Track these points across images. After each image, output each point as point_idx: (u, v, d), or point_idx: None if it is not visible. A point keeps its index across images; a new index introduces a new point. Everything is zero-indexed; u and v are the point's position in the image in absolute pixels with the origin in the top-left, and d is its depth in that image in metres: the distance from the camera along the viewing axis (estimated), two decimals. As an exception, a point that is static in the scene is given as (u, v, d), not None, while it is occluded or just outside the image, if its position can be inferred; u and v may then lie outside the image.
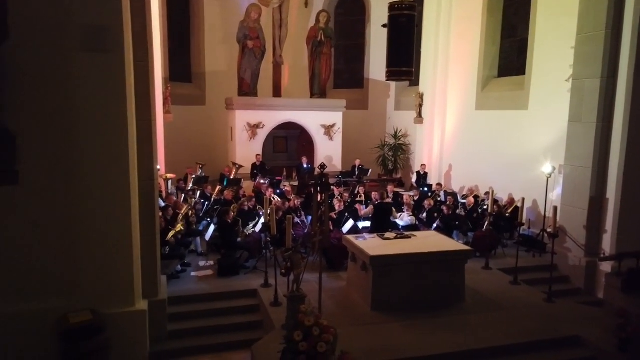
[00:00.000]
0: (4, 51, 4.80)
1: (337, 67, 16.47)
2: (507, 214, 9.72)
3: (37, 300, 5.09)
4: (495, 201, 8.95)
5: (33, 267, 5.10)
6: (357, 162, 13.69)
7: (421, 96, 13.31)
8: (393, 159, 14.91)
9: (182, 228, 7.70)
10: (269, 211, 6.80)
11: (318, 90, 14.80)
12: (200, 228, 8.80)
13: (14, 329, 5.03)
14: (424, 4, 12.96)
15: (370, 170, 13.76)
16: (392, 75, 7.33)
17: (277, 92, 14.65)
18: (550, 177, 9.21)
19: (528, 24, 10.31)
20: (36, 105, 4.98)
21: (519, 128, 10.50)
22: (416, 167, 13.51)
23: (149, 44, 5.83)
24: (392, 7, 6.96)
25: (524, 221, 7.87)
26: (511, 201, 10.08)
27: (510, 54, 11.45)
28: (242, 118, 13.45)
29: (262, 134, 13.73)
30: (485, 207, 9.48)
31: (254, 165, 12.96)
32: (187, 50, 15.07)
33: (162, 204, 8.83)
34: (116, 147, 5.09)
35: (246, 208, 9.05)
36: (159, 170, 7.14)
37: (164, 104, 11.59)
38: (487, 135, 11.51)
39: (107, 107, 5.08)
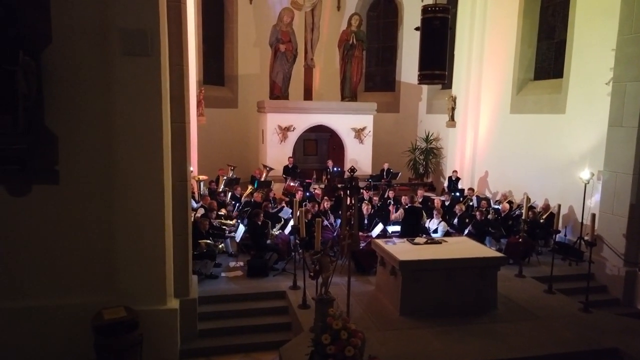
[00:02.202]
0: (47, 55, 5.00)
1: (369, 70, 16.42)
2: (542, 221, 9.46)
3: (74, 295, 5.27)
4: (530, 207, 8.72)
5: (71, 264, 5.29)
6: (386, 166, 13.60)
7: (454, 99, 13.12)
8: (424, 163, 14.74)
9: (210, 242, 7.90)
10: (298, 214, 6.83)
11: (349, 93, 14.79)
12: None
13: (53, 322, 5.23)
14: (457, 6, 12.78)
15: (400, 174, 13.65)
16: (424, 78, 7.24)
17: (308, 95, 14.72)
18: (588, 183, 8.92)
19: (566, 25, 10.02)
20: (76, 108, 5.17)
21: (556, 132, 10.20)
22: (448, 172, 13.31)
23: (184, 48, 5.95)
24: (425, 10, 6.89)
25: (559, 228, 7.63)
26: (546, 207, 9.81)
27: (547, 56, 11.15)
28: (273, 121, 13.57)
29: (293, 137, 13.81)
30: (519, 213, 9.25)
31: (285, 167, 13.06)
32: (220, 53, 15.33)
33: (195, 205, 9.01)
34: (151, 149, 5.22)
35: (270, 210, 9.13)
36: (191, 171, 7.28)
37: (198, 106, 11.82)
38: (522, 139, 11.24)
39: (143, 110, 5.21)
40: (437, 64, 6.94)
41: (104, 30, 5.14)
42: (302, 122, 13.84)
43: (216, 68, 15.18)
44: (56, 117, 5.14)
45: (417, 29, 7.00)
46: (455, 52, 12.78)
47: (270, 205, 9.34)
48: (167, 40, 5.55)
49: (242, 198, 10.51)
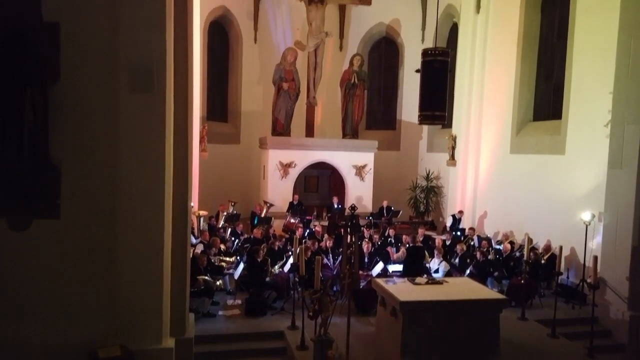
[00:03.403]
0: (55, 89, 5.09)
1: (370, 108, 16.66)
2: (544, 262, 9.37)
3: (70, 332, 5.17)
4: (531, 248, 8.66)
5: (68, 301, 5.21)
6: (385, 203, 13.59)
7: (454, 138, 13.24)
8: (425, 201, 14.73)
9: (209, 278, 7.82)
10: (298, 251, 6.78)
11: (350, 131, 14.95)
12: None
13: (47, 359, 5.10)
14: (457, 49, 13.09)
15: (400, 212, 13.62)
16: (425, 119, 7.35)
17: (309, 131, 14.88)
18: (589, 224, 8.88)
19: (564, 68, 10.23)
20: (81, 141, 5.21)
21: (556, 173, 10.25)
22: (449, 210, 13.29)
23: (189, 84, 6.07)
24: (425, 53, 7.06)
25: (562, 270, 7.55)
26: (548, 248, 9.73)
27: (545, 98, 11.33)
28: (274, 157, 13.66)
29: (294, 173, 13.87)
30: (521, 254, 9.17)
31: (291, 204, 13.08)
32: (224, 90, 15.62)
33: (194, 241, 8.97)
34: (153, 185, 5.24)
35: (276, 248, 9.07)
36: (192, 207, 7.28)
37: (200, 142, 11.93)
38: (522, 179, 11.27)
39: (146, 145, 5.26)
40: (437, 105, 7.06)
41: (111, 66, 5.25)
42: (304, 158, 13.93)
43: (220, 104, 15.43)
44: (60, 151, 5.19)
45: (417, 71, 7.15)
46: (455, 93, 12.99)
47: (276, 242, 9.28)
48: (172, 76, 5.66)
49: (243, 234, 10.46)
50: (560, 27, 10.72)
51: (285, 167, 13.73)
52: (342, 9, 16.20)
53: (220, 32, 15.31)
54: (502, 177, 12.05)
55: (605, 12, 8.80)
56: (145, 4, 5.15)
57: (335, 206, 13.36)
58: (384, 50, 16.84)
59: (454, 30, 14.30)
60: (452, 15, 14.18)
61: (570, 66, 9.97)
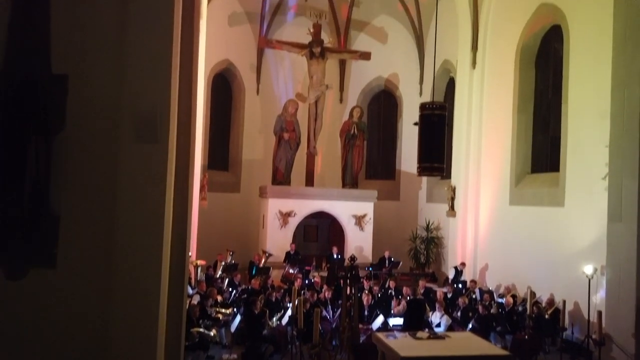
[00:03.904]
0: (59, 139, 5.16)
1: (370, 158, 16.84)
2: (547, 316, 9.16)
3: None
4: (535, 302, 8.50)
5: (59, 352, 5.05)
6: (387, 254, 13.46)
7: (453, 189, 13.29)
8: (425, 252, 14.60)
9: (204, 330, 7.64)
10: (296, 303, 6.65)
11: (350, 181, 15.04)
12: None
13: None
14: (454, 103, 13.39)
15: (401, 263, 13.47)
16: (423, 170, 7.43)
17: (309, 180, 14.97)
18: (592, 278, 8.76)
19: (560, 121, 10.43)
20: (81, 190, 5.23)
21: (556, 225, 10.21)
22: (449, 262, 13.14)
23: (192, 134, 6.15)
24: (423, 107, 7.25)
25: (566, 325, 7.38)
26: (551, 302, 9.54)
27: (543, 150, 11.48)
28: (274, 206, 13.67)
29: (294, 223, 13.83)
30: (524, 308, 8.99)
31: (287, 253, 12.94)
32: (226, 139, 15.85)
33: (191, 291, 8.81)
34: (151, 234, 5.20)
35: (273, 299, 8.89)
36: (190, 256, 7.20)
37: (201, 190, 11.97)
38: (522, 231, 11.22)
39: (146, 195, 5.26)
40: (436, 157, 7.16)
41: (116, 116, 5.34)
42: (304, 207, 13.94)
43: (221, 153, 15.61)
44: (60, 199, 5.19)
45: (415, 124, 7.31)
46: (454, 145, 13.17)
47: (274, 293, 9.12)
48: (175, 127, 5.75)
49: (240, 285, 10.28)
50: (555, 82, 11.02)
51: (285, 216, 13.70)
52: (342, 63, 16.73)
53: (224, 83, 15.73)
54: (502, 228, 12.00)
55: (598, 68, 9.07)
56: (153, 58, 5.32)
57: (335, 256, 13.22)
58: (383, 102, 17.24)
59: (451, 85, 14.70)
60: (448, 70, 14.63)
61: (566, 120, 10.16)
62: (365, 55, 15.33)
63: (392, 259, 13.32)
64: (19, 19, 5.12)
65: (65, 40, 5.20)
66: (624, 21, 7.50)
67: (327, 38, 15.50)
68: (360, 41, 16.51)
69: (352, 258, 9.77)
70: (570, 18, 10.09)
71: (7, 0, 5.02)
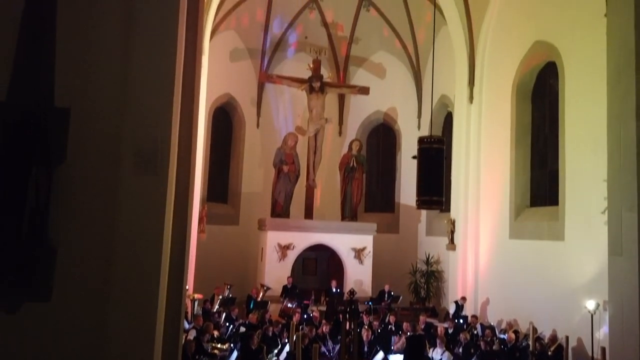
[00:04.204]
0: (59, 171, 5.18)
1: (369, 191, 16.87)
2: (551, 353, 8.97)
3: None
4: (537, 338, 8.34)
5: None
6: (387, 288, 13.30)
7: (453, 222, 13.25)
8: (425, 286, 14.42)
9: None
10: (294, 338, 6.53)
11: (349, 213, 15.02)
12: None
13: None
14: (452, 136, 13.51)
15: (401, 297, 13.29)
16: (422, 204, 7.43)
17: (308, 213, 14.95)
18: (594, 314, 8.63)
19: (557, 155, 10.50)
20: (80, 222, 5.21)
21: (557, 259, 10.14)
22: (450, 296, 12.97)
23: (191, 167, 6.18)
24: (421, 140, 7.32)
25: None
26: (554, 338, 9.35)
27: (541, 184, 11.51)
28: (273, 239, 13.59)
29: (292, 255, 13.72)
30: (526, 344, 8.82)
31: (284, 287, 12.78)
32: (226, 171, 15.92)
33: (187, 326, 8.66)
34: (149, 268, 5.15)
35: (270, 333, 8.73)
36: (187, 290, 7.12)
37: (199, 223, 11.94)
38: (523, 265, 11.13)
39: (145, 226, 5.24)
40: (435, 190, 7.17)
41: (116, 148, 5.37)
42: (302, 240, 13.86)
43: (221, 185, 15.64)
44: (58, 231, 5.16)
45: (414, 157, 7.35)
46: (452, 178, 13.22)
47: (271, 328, 8.95)
48: (176, 159, 5.78)
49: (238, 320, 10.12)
50: (551, 117, 11.16)
51: (284, 249, 13.61)
52: (341, 98, 16.99)
53: (225, 116, 15.93)
54: (502, 262, 11.91)
55: (593, 103, 9.20)
56: (155, 91, 5.40)
57: (334, 290, 13.06)
58: (382, 136, 17.41)
59: (448, 119, 14.89)
60: (446, 104, 14.84)
61: (563, 154, 10.24)
62: (364, 90, 15.59)
63: (392, 293, 13.15)
64: (24, 51, 5.22)
65: (68, 73, 5.29)
66: (616, 58, 7.64)
67: (326, 73, 15.82)
68: (359, 76, 16.83)
69: (352, 292, 9.67)
70: (565, 55, 10.32)
71: (13, 32, 5.14)
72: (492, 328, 10.29)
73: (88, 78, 5.34)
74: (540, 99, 11.73)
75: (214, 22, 12.89)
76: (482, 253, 12.70)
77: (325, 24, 16.25)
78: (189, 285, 10.18)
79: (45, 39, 5.32)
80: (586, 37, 9.52)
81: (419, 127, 16.17)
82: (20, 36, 5.24)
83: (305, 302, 11.97)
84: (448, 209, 13.45)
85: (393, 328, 9.84)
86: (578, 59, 9.94)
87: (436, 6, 11.17)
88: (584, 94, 9.74)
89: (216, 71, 13.62)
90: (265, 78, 15.69)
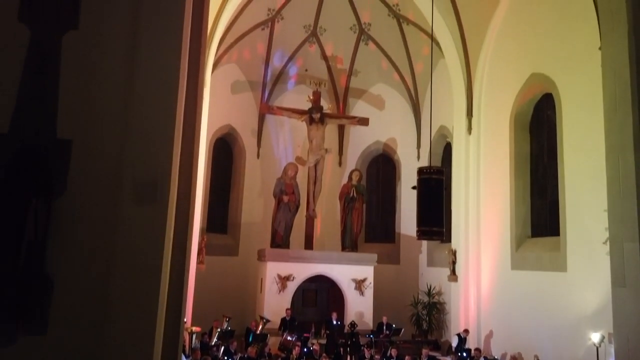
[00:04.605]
0: (58, 202, 5.18)
1: (369, 221, 16.81)
2: (557, 388, 8.77)
3: None
4: (542, 372, 8.16)
5: None
6: (384, 320, 13.09)
7: (454, 253, 13.16)
8: (427, 319, 14.19)
9: None
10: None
11: (349, 244, 14.93)
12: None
13: None
14: (452, 167, 13.57)
15: (402, 330, 13.06)
16: (423, 234, 7.40)
17: (308, 244, 14.86)
18: (599, 346, 8.47)
19: (557, 185, 10.51)
20: (77, 252, 5.17)
21: (560, 290, 10.01)
22: (452, 329, 12.75)
23: (192, 197, 6.18)
24: (421, 171, 7.35)
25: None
26: (560, 372, 9.17)
27: (542, 214, 11.47)
28: (273, 270, 13.47)
29: (292, 287, 13.57)
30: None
31: (283, 319, 12.57)
32: (226, 202, 15.90)
33: (184, 360, 8.47)
34: (146, 299, 5.09)
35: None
36: (185, 322, 7.00)
37: (199, 254, 11.85)
38: (526, 296, 10.98)
39: (143, 257, 5.20)
40: (435, 221, 7.16)
41: (117, 179, 5.38)
42: (302, 271, 13.73)
43: (220, 216, 15.60)
44: (55, 263, 5.12)
45: (414, 188, 7.36)
46: (453, 209, 13.20)
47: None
48: (176, 189, 5.79)
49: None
50: (549, 147, 11.23)
51: (283, 280, 13.47)
52: (341, 128, 17.15)
53: (225, 147, 16.03)
54: (505, 294, 11.75)
55: (590, 133, 9.28)
56: (156, 123, 5.46)
57: (334, 322, 12.84)
58: (382, 166, 17.48)
59: (448, 149, 14.98)
60: (445, 135, 14.96)
61: (563, 184, 10.25)
62: (364, 121, 15.76)
63: (393, 326, 12.92)
64: (28, 83, 5.31)
65: (71, 105, 5.36)
66: (612, 91, 7.76)
67: (326, 104, 16.03)
68: (359, 107, 17.04)
69: (352, 324, 9.51)
70: (561, 87, 10.47)
71: (17, 64, 5.24)
72: (496, 362, 10.09)
73: (90, 110, 5.41)
74: (539, 130, 11.83)
75: (216, 55, 13.14)
76: (484, 284, 12.55)
77: (325, 57, 16.57)
78: (187, 318, 10.02)
79: (49, 71, 5.42)
80: (581, 69, 9.68)
81: (418, 158, 16.26)
82: (25, 68, 5.34)
83: (305, 334, 11.76)
84: (449, 240, 13.37)
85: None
86: (574, 91, 10.08)
87: (433, 40, 11.41)
88: (581, 125, 9.83)
89: (218, 103, 13.80)
90: (266, 109, 15.88)
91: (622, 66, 7.55)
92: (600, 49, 7.98)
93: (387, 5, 14.95)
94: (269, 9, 15.05)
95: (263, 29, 15.47)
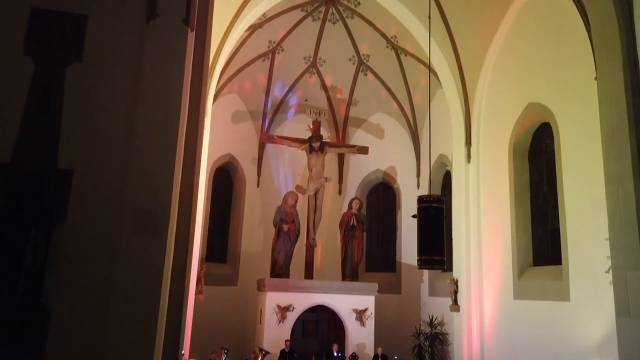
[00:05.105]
0: (58, 232, 5.16)
1: (369, 250, 16.71)
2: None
3: None
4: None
5: None
6: (379, 351, 12.85)
7: (456, 282, 13.02)
8: (430, 350, 13.92)
9: None
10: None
11: (350, 273, 14.79)
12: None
13: None
14: (452, 195, 13.57)
15: (397, 360, 12.81)
16: (424, 263, 7.35)
17: (309, 273, 14.72)
18: (607, 378, 8.29)
19: (557, 213, 10.48)
20: (75, 284, 5.12)
21: (564, 320, 9.86)
22: (456, 359, 12.50)
23: (191, 227, 6.17)
24: (421, 199, 7.35)
25: None
26: (567, 406, 8.94)
27: (543, 243, 11.40)
28: (272, 300, 13.29)
29: (292, 317, 13.36)
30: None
31: (282, 352, 12.33)
32: (225, 230, 15.83)
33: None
34: (144, 331, 5.02)
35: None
36: (182, 354, 6.87)
37: (197, 284, 11.72)
38: (530, 326, 10.80)
39: (142, 287, 5.16)
40: (436, 250, 7.12)
41: (117, 209, 5.38)
42: (302, 301, 13.55)
43: (220, 245, 15.50)
44: (53, 293, 5.07)
45: (414, 216, 7.36)
46: (454, 237, 13.13)
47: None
48: (176, 219, 5.78)
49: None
50: (548, 176, 11.25)
51: (283, 310, 13.28)
52: (341, 157, 17.24)
53: (225, 176, 16.07)
54: (508, 324, 11.57)
55: (589, 162, 9.31)
56: (158, 153, 5.50)
57: (335, 354, 12.60)
58: (382, 194, 17.48)
59: (447, 177, 15.01)
60: (444, 163, 15.02)
61: (564, 212, 10.22)
62: (363, 150, 15.86)
63: (386, 356, 12.67)
64: (32, 114, 5.37)
65: (74, 135, 5.41)
66: (609, 120, 7.83)
67: (326, 133, 16.15)
68: (358, 136, 17.16)
69: (354, 356, 9.32)
70: (559, 116, 10.57)
71: (20, 95, 5.31)
72: (500, 395, 9.85)
73: (92, 140, 5.46)
74: (537, 159, 11.87)
75: (217, 86, 13.33)
76: (487, 314, 12.37)
77: (324, 87, 16.81)
78: (185, 350, 9.82)
79: (52, 102, 5.49)
80: (578, 98, 9.80)
81: (418, 186, 16.28)
82: (29, 99, 5.41)
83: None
84: (450, 269, 13.25)
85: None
86: (572, 120, 10.17)
87: (431, 71, 11.60)
88: (579, 153, 9.87)
89: (218, 132, 13.92)
90: (266, 138, 16.00)
91: (618, 95, 7.64)
92: (595, 79, 8.09)
93: (385, 37, 15.25)
94: (270, 41, 15.35)
95: (264, 60, 15.74)
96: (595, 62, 8.14)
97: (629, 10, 7.61)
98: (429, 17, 10.07)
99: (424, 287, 15.56)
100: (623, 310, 7.73)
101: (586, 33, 9.06)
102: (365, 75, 16.47)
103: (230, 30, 11.68)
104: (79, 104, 5.43)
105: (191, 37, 5.63)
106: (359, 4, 14.51)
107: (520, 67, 11.94)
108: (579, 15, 9.27)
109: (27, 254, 4.90)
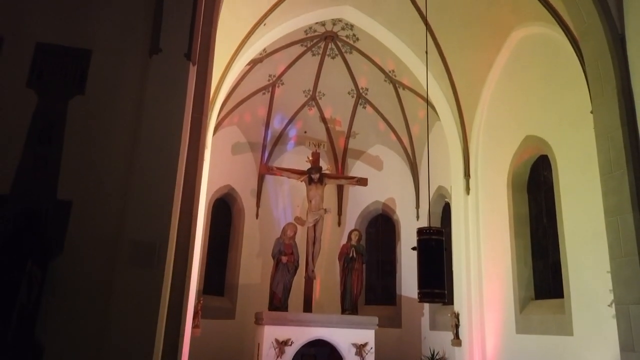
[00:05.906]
0: (54, 264, 5.12)
1: (369, 282, 16.52)
2: None
3: None
4: None
5: None
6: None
7: (457, 316, 12.81)
8: (431, 386, 13.59)
9: None
10: None
11: (349, 306, 14.56)
12: None
13: None
14: (451, 227, 13.52)
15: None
16: (424, 296, 7.23)
17: (307, 306, 14.49)
18: (614, 417, 8.05)
19: (558, 246, 10.42)
20: (71, 317, 5.04)
21: (568, 356, 9.64)
22: (457, 397, 12.16)
23: (189, 261, 6.12)
24: (420, 231, 7.30)
25: None
26: None
27: (544, 276, 11.28)
28: (270, 334, 13.04)
29: (290, 352, 13.06)
30: None
31: (279, 388, 12.04)
32: (223, 263, 15.68)
33: None
34: (139, 367, 4.91)
35: None
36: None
37: (194, 317, 11.52)
38: (533, 362, 10.58)
39: (139, 321, 5.08)
40: (436, 283, 7.02)
41: (114, 241, 5.36)
42: (301, 335, 13.29)
43: (218, 277, 15.32)
44: (48, 326, 4.98)
45: (414, 248, 7.29)
46: (454, 270, 13.00)
47: None
48: (174, 252, 5.75)
49: None
50: (548, 208, 11.23)
51: (281, 345, 13.00)
52: (340, 188, 17.26)
53: (224, 207, 16.04)
54: (511, 359, 11.32)
55: (588, 194, 9.32)
56: (157, 186, 5.52)
57: (334, 391, 12.27)
58: (381, 226, 17.42)
59: (447, 209, 14.99)
60: (443, 195, 15.03)
61: (564, 245, 10.15)
62: (362, 181, 15.90)
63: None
64: (32, 146, 5.41)
65: (73, 168, 5.44)
66: (606, 153, 7.88)
67: (325, 165, 16.23)
68: (357, 168, 17.24)
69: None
70: (556, 148, 10.64)
71: (21, 127, 5.36)
72: None
73: (92, 172, 5.49)
74: (536, 191, 11.89)
75: (217, 118, 13.47)
76: (489, 349, 12.12)
77: (323, 119, 17.01)
78: (180, 386, 9.56)
79: (53, 134, 5.54)
80: (575, 131, 9.89)
81: (417, 218, 16.23)
82: (30, 130, 5.46)
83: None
84: (451, 302, 13.07)
85: None
86: (569, 152, 10.23)
87: (428, 104, 11.76)
88: (578, 185, 9.89)
89: (218, 163, 13.98)
90: (265, 170, 16.06)
91: (614, 129, 7.72)
92: (591, 112, 8.19)
93: (383, 71, 15.53)
94: (270, 75, 15.61)
95: (264, 94, 15.97)
96: (590, 95, 8.26)
97: (622, 46, 7.78)
98: (426, 52, 10.26)
99: (425, 320, 15.31)
100: (627, 344, 7.59)
101: (580, 67, 9.22)
102: (364, 108, 16.69)
103: (232, 65, 11.89)
104: (80, 136, 5.48)
105: (193, 71, 5.73)
106: (357, 39, 14.83)
107: (517, 101, 12.10)
108: (573, 51, 9.46)
109: (22, 290, 4.83)
